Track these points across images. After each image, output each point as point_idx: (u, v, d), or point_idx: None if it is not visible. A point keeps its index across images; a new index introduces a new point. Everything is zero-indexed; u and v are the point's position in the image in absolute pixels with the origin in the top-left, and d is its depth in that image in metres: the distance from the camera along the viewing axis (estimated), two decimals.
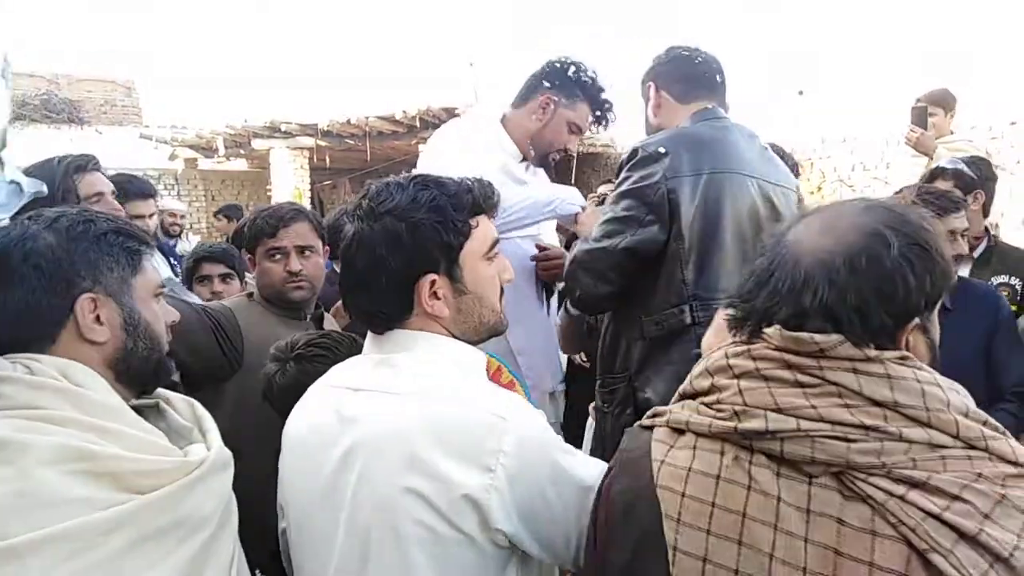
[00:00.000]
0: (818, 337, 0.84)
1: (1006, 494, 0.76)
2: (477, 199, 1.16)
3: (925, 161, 3.59)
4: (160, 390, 1.13)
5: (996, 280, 2.69)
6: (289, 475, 1.19)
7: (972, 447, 0.80)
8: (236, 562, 1.06)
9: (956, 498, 0.76)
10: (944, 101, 3.84)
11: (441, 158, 2.16)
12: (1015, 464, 0.79)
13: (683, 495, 0.85)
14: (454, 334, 1.17)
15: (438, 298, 1.13)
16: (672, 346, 1.77)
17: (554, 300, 2.38)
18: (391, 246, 1.10)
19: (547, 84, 2.21)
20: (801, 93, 10.67)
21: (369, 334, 1.21)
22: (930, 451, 0.79)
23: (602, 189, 4.02)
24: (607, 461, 1.06)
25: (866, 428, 0.79)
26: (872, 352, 0.83)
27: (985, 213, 2.85)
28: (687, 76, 1.96)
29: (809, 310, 0.85)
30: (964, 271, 2.67)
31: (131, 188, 3.23)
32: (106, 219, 1.06)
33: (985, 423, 0.83)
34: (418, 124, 9.06)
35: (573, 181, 6.62)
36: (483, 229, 1.17)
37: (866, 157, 7.91)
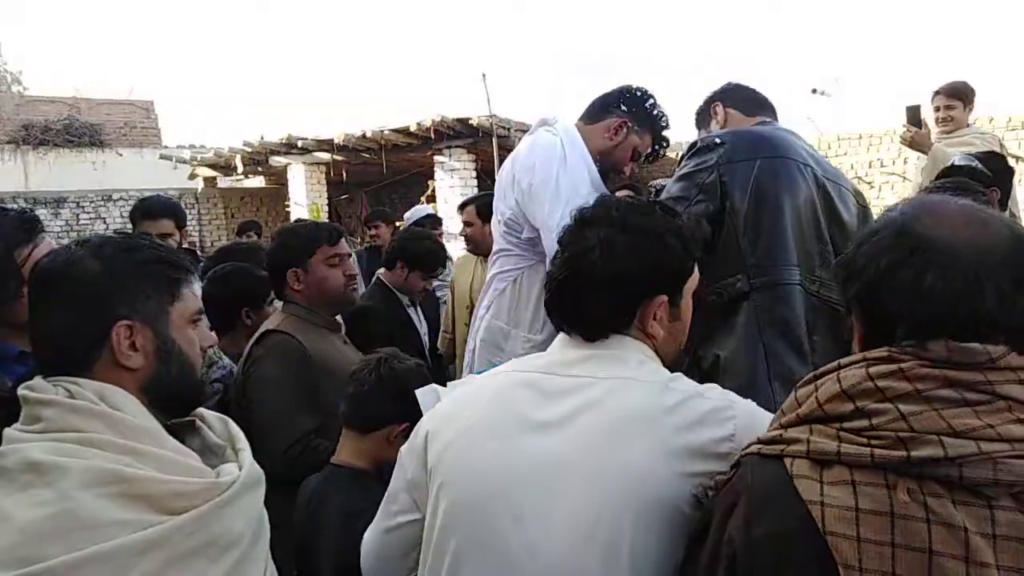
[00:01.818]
0: (990, 347, 0.80)
1: None
2: (706, 238, 1.25)
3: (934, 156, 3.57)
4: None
5: None
6: (468, 460, 1.14)
7: None
8: None
9: None
10: (962, 94, 3.81)
11: (565, 165, 2.25)
12: None
13: (858, 539, 0.79)
14: (657, 354, 1.19)
15: (656, 319, 1.16)
16: (732, 314, 1.84)
17: None
18: (642, 259, 1.13)
19: (624, 108, 2.35)
20: (815, 91, 10.61)
21: (564, 338, 1.21)
22: None
23: (621, 194, 4.03)
24: None
25: None
26: None
27: (1001, 208, 2.83)
28: (750, 98, 2.19)
29: (991, 306, 0.81)
30: None
31: (141, 210, 3.19)
32: (151, 246, 1.09)
33: None
34: (432, 136, 9.11)
35: None
36: (695, 269, 1.23)
37: (883, 154, 7.84)
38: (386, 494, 1.27)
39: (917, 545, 0.77)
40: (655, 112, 2.37)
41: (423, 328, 3.81)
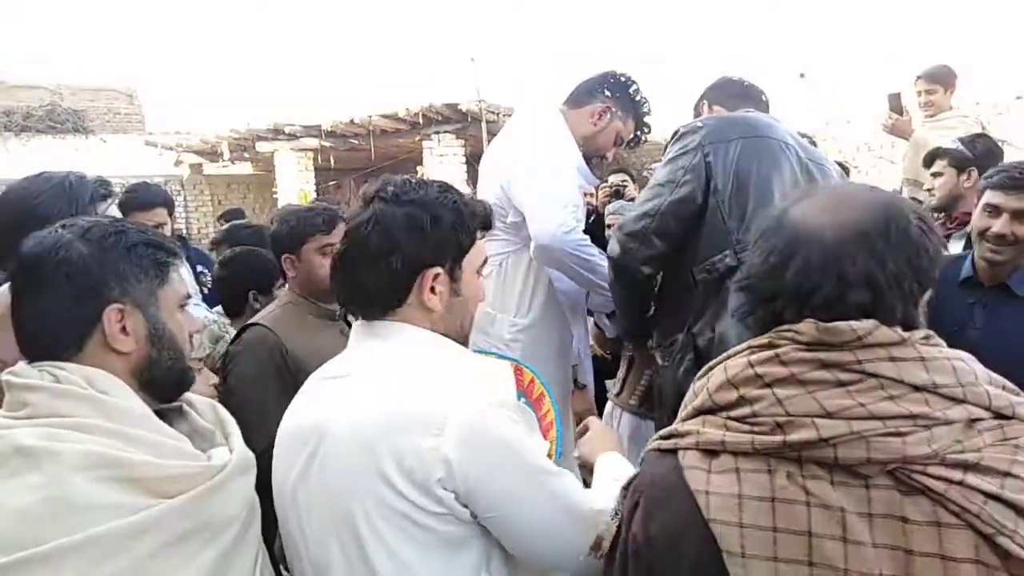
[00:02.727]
0: (856, 324, 0.82)
1: None
2: (488, 216, 1.26)
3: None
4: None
5: None
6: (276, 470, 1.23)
7: (1002, 416, 0.80)
8: (260, 562, 1.07)
9: (1007, 475, 0.76)
10: (942, 78, 3.85)
11: (550, 149, 2.27)
12: None
13: (741, 525, 0.80)
14: (437, 331, 1.21)
15: (435, 293, 1.18)
16: (724, 289, 1.88)
17: None
18: (411, 231, 1.15)
19: (608, 94, 2.38)
20: (803, 75, 10.61)
21: (357, 324, 1.24)
22: (968, 428, 0.79)
23: (614, 178, 4.03)
24: (659, 414, 1.02)
25: (913, 416, 0.78)
26: (904, 334, 0.82)
27: None
28: (735, 94, 2.24)
29: (852, 279, 0.83)
30: (956, 247, 2.64)
31: (133, 200, 3.17)
32: (137, 230, 1.08)
33: (1004, 387, 0.83)
34: (421, 121, 9.06)
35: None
36: (481, 245, 1.26)
37: (870, 138, 7.87)
38: None
39: (797, 528, 0.78)
40: (638, 98, 2.41)
41: None
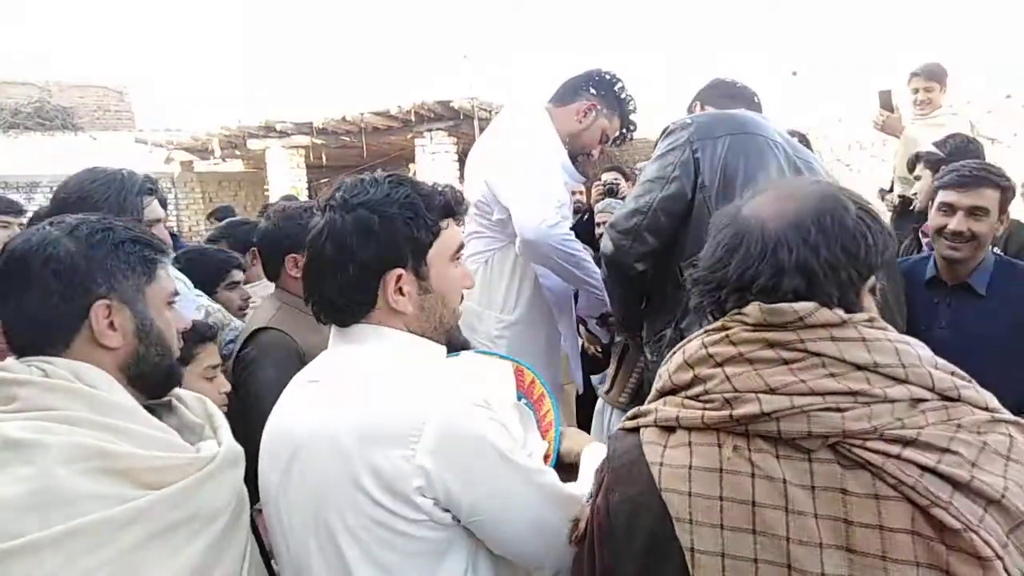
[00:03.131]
0: (797, 306, 0.86)
1: (986, 440, 0.80)
2: (449, 202, 1.19)
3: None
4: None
5: None
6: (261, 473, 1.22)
7: (947, 398, 0.83)
8: (249, 554, 1.08)
9: (946, 451, 0.79)
10: (939, 76, 3.87)
11: (535, 146, 2.28)
12: (987, 410, 0.83)
13: (690, 494, 0.85)
14: (413, 331, 1.18)
15: (403, 294, 1.14)
16: None
17: None
18: (362, 237, 1.11)
19: (593, 91, 2.38)
20: (795, 73, 10.65)
21: (333, 328, 1.21)
22: (911, 408, 0.82)
23: (607, 176, 4.04)
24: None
25: (854, 393, 0.81)
26: (844, 315, 0.86)
27: None
28: (727, 94, 2.26)
29: (786, 267, 0.87)
30: None
31: None
32: (124, 227, 1.08)
33: (953, 373, 0.86)
34: (413, 119, 9.04)
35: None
36: (452, 232, 1.20)
37: (862, 136, 7.90)
38: None
39: (742, 498, 0.83)
40: (623, 96, 2.42)
41: None
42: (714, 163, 1.90)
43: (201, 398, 1.17)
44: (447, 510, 1.05)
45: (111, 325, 1.02)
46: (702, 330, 0.95)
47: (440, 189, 1.20)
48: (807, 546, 0.79)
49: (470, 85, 8.52)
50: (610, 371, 2.78)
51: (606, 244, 2.03)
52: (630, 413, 0.98)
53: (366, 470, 1.03)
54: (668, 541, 0.85)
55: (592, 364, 3.00)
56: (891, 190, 3.92)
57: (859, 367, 0.83)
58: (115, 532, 0.89)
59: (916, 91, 3.88)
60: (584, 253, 2.27)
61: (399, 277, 1.14)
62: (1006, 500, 0.76)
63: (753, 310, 0.88)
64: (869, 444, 0.80)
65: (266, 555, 1.21)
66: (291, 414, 1.16)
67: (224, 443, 1.06)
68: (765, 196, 0.94)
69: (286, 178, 10.76)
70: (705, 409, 0.87)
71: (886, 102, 3.71)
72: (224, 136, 10.85)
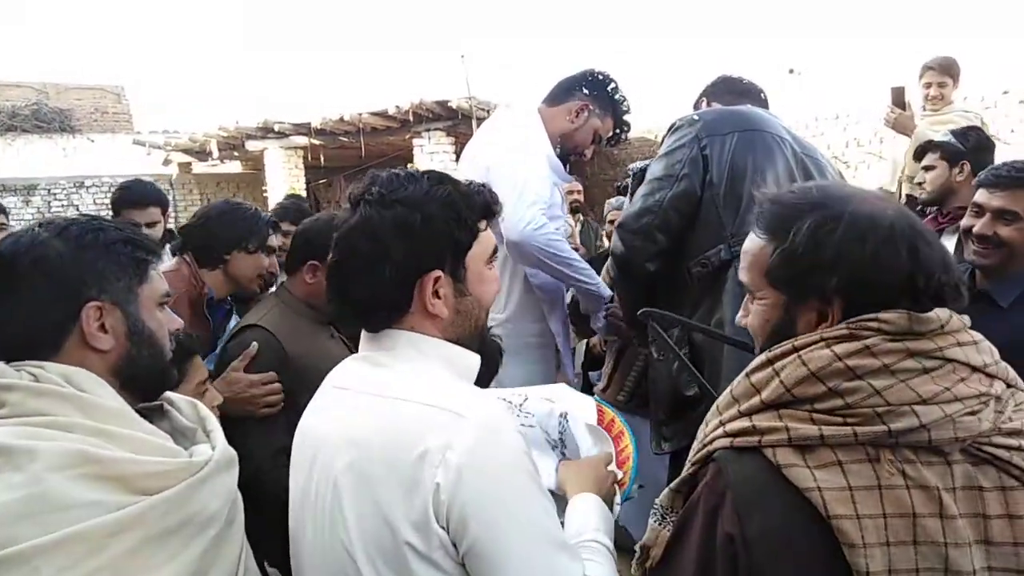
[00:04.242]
0: (939, 313, 0.89)
1: None
2: (488, 202, 1.14)
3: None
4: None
5: None
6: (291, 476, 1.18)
7: (1013, 386, 0.90)
8: (244, 558, 1.07)
9: None
10: (953, 70, 3.76)
11: (521, 148, 2.28)
12: None
13: (858, 517, 0.83)
14: (447, 337, 1.12)
15: (439, 297, 1.08)
16: (718, 284, 1.88)
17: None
18: (401, 235, 1.04)
19: (586, 91, 2.38)
20: (792, 71, 10.63)
21: (363, 333, 1.16)
22: (1000, 402, 0.88)
23: (635, 165, 4.02)
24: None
25: (980, 396, 0.85)
26: (964, 320, 0.91)
27: None
28: (734, 90, 2.27)
29: (953, 270, 0.91)
30: (949, 243, 2.61)
31: (125, 196, 3.15)
32: (115, 228, 1.07)
33: (997, 362, 0.92)
34: (411, 119, 9.02)
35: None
36: (489, 233, 1.15)
37: (860, 133, 7.90)
38: None
39: (903, 511, 0.83)
40: (616, 96, 2.41)
41: None
42: (722, 160, 1.88)
43: (193, 402, 1.16)
44: (455, 544, 0.97)
45: (102, 327, 1.01)
46: (815, 336, 0.90)
47: (477, 188, 1.15)
48: (960, 547, 0.82)
49: (468, 85, 8.48)
50: (606, 369, 2.77)
51: (616, 244, 2.02)
52: (736, 429, 0.90)
53: (388, 493, 0.97)
54: (824, 567, 0.83)
55: (595, 362, 3.01)
56: (897, 191, 3.79)
57: (974, 368, 0.88)
58: (108, 539, 0.88)
59: (928, 85, 3.77)
60: (571, 251, 2.27)
61: (437, 279, 1.07)
62: None
63: (899, 318, 0.88)
64: (994, 440, 0.85)
65: (261, 560, 1.20)
66: (319, 420, 1.12)
67: (218, 447, 1.05)
68: (868, 194, 0.96)
69: (284, 179, 10.75)
70: (851, 424, 0.85)
71: (899, 99, 3.55)
72: (222, 137, 10.84)
